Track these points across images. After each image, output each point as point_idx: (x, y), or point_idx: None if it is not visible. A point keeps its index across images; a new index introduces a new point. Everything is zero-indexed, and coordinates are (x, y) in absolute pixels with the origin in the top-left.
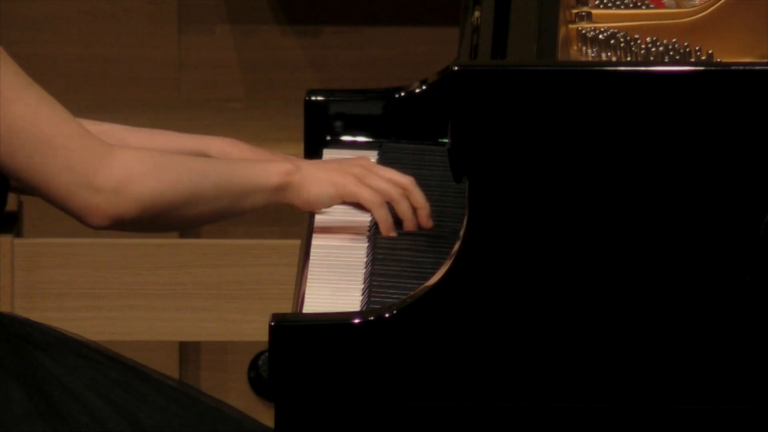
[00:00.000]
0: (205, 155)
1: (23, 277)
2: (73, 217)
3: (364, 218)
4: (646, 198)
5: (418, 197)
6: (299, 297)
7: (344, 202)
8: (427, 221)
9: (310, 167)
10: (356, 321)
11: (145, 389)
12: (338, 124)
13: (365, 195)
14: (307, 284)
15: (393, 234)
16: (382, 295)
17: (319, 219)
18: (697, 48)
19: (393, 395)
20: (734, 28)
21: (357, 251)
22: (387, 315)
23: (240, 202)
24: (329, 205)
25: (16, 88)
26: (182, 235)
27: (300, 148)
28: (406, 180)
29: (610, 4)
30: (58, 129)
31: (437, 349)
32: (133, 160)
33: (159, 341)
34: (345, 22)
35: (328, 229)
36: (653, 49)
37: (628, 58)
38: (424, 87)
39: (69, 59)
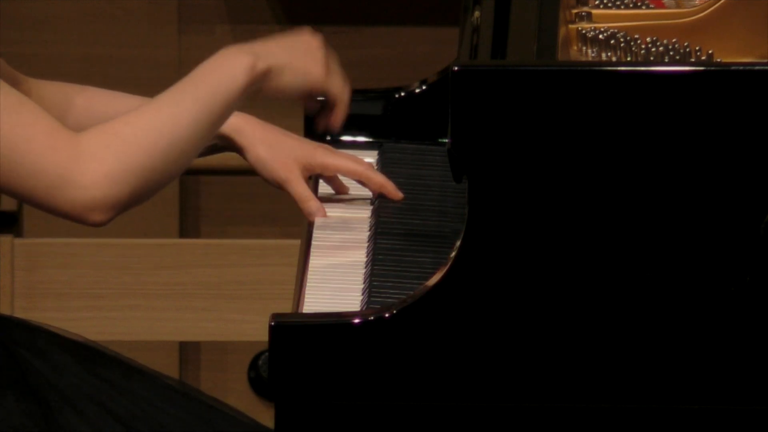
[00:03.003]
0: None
1: (23, 277)
2: (73, 221)
3: (364, 218)
4: (647, 198)
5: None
6: (299, 297)
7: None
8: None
9: (274, 51)
10: (356, 321)
11: (145, 393)
12: None
13: (334, 91)
14: (307, 284)
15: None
16: (382, 295)
17: (320, 219)
18: (697, 48)
19: (393, 395)
20: (734, 28)
21: (357, 251)
22: (387, 315)
23: (220, 118)
24: (297, 95)
25: None
26: (182, 235)
27: None
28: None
29: (610, 4)
30: (22, 133)
31: (437, 349)
32: (100, 146)
33: (159, 341)
34: (345, 22)
35: (328, 230)
36: (653, 49)
37: (628, 58)
38: (424, 87)
39: (69, 59)
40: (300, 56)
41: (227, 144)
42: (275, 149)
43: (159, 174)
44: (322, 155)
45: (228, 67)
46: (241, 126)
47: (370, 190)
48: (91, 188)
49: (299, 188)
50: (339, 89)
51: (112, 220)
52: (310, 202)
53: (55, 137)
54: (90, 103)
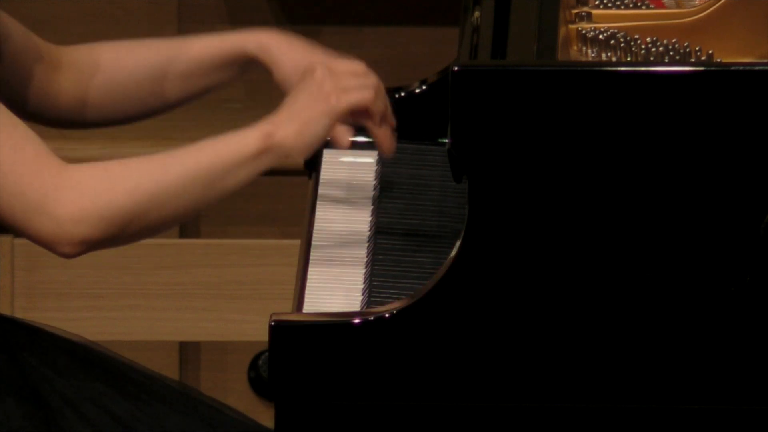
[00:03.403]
0: (242, 52)
1: (23, 277)
2: (43, 247)
3: (364, 218)
4: (646, 198)
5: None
6: (299, 297)
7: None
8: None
9: (288, 116)
10: (356, 321)
11: (146, 396)
12: None
13: (356, 100)
14: (307, 284)
15: (390, 146)
16: (382, 295)
17: (320, 219)
18: (697, 48)
19: (393, 395)
20: (734, 28)
21: (357, 251)
22: (387, 315)
23: (220, 184)
24: (326, 136)
25: None
26: (182, 235)
27: None
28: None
29: (610, 4)
30: (9, 153)
31: (437, 349)
32: (86, 178)
33: (159, 341)
34: (345, 22)
35: (328, 230)
36: (653, 49)
37: (628, 58)
38: (424, 87)
39: None
40: (307, 105)
41: (254, 61)
42: (296, 54)
43: (138, 222)
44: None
45: (241, 135)
46: (266, 43)
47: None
48: (63, 220)
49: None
50: (359, 99)
51: (81, 254)
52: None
53: (41, 163)
54: (118, 56)
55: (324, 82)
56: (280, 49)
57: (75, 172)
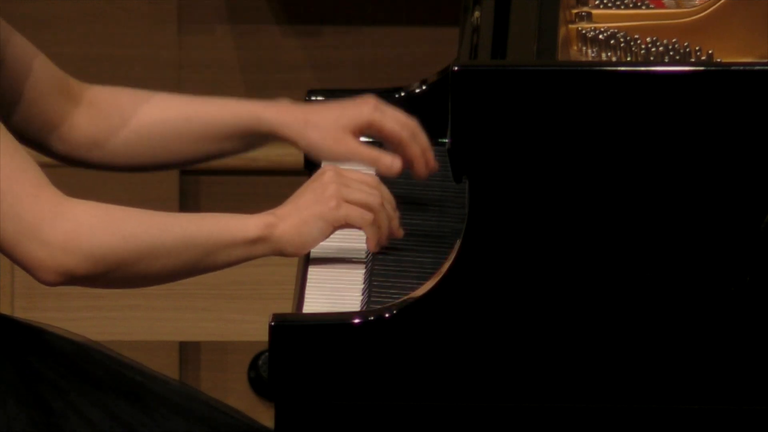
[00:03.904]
0: (255, 129)
1: (23, 277)
2: (24, 270)
3: None
4: (646, 198)
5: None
6: (299, 297)
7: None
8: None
9: (290, 211)
10: (356, 321)
11: (148, 399)
12: None
13: (353, 219)
14: (307, 284)
15: (376, 249)
16: (382, 295)
17: None
18: (697, 48)
19: (393, 395)
20: (734, 28)
21: (357, 251)
22: (387, 315)
23: (212, 257)
24: (323, 240)
25: None
26: None
27: None
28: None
29: (610, 4)
30: (10, 175)
31: (437, 349)
32: (85, 213)
33: (159, 341)
34: (345, 22)
35: None
36: (653, 49)
37: (628, 58)
38: (424, 87)
39: (69, 59)
40: (308, 207)
41: (273, 138)
42: (322, 128)
43: (125, 269)
44: (369, 114)
45: (244, 218)
46: (282, 119)
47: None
48: (53, 247)
49: (364, 154)
50: (357, 219)
51: (60, 285)
52: (383, 159)
53: (41, 189)
54: (138, 106)
55: (328, 186)
56: (297, 120)
57: (74, 205)
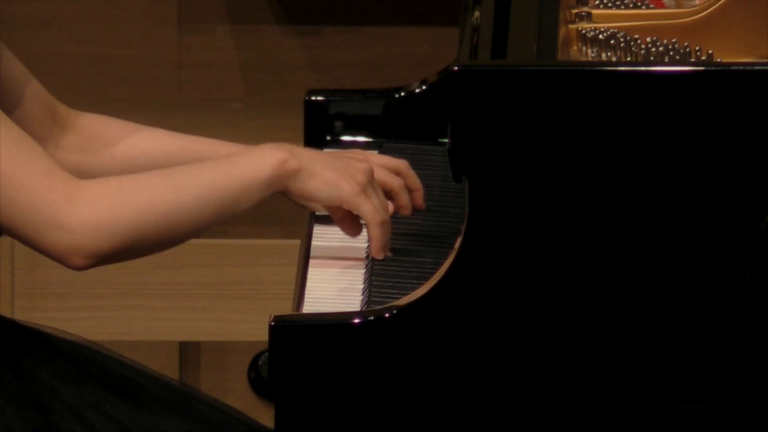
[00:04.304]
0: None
1: (23, 277)
2: (54, 260)
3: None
4: (646, 198)
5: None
6: (299, 297)
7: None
8: (422, 203)
9: (311, 157)
10: (356, 321)
11: (148, 401)
12: (338, 124)
13: (366, 210)
14: (307, 284)
15: (381, 256)
16: (382, 295)
17: (320, 219)
18: (697, 48)
19: (393, 395)
20: (734, 28)
21: (357, 251)
22: (387, 315)
23: (232, 207)
24: (326, 205)
25: None
26: None
27: None
28: (397, 182)
29: (610, 4)
30: (19, 168)
31: (437, 349)
32: (99, 194)
33: (159, 341)
34: (345, 22)
35: (328, 230)
36: (653, 49)
37: (628, 58)
38: (424, 87)
39: (69, 59)
40: (336, 170)
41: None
42: (323, 179)
43: (149, 237)
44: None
45: (259, 157)
46: (281, 173)
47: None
48: (76, 232)
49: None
50: (369, 213)
51: (92, 267)
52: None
53: (52, 177)
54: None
55: (358, 175)
56: (299, 172)
57: (87, 187)
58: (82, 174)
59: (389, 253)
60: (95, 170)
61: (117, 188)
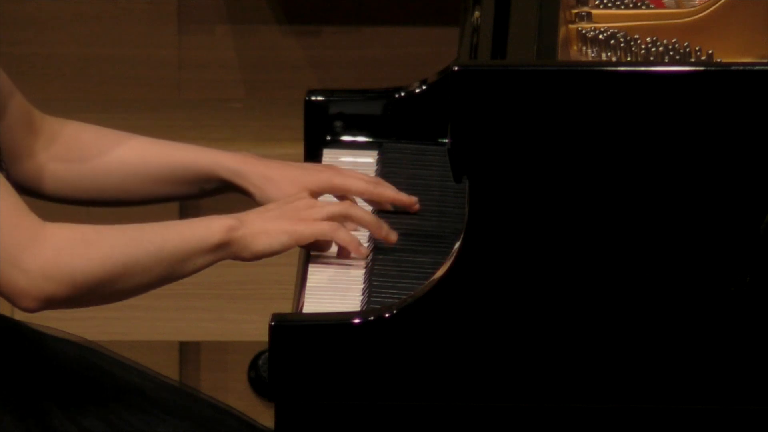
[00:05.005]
0: (214, 174)
1: None
2: (4, 298)
3: None
4: (646, 198)
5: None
6: (299, 297)
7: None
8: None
9: (255, 218)
10: (356, 321)
11: (148, 405)
12: (338, 124)
13: (320, 231)
14: (307, 284)
15: (392, 237)
16: (382, 295)
17: None
18: (697, 48)
19: (393, 395)
20: (734, 28)
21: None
22: (387, 315)
23: (180, 267)
24: (282, 252)
25: None
26: None
27: (300, 148)
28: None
29: (610, 4)
30: None
31: (437, 349)
32: (61, 239)
33: (159, 341)
34: (345, 22)
35: None
36: (653, 49)
37: (628, 58)
38: (424, 87)
39: (69, 59)
40: (278, 218)
41: (232, 187)
42: (281, 184)
43: (102, 290)
44: (328, 178)
45: (208, 222)
46: (242, 169)
47: (384, 207)
48: (35, 274)
49: None
50: (325, 230)
51: (40, 310)
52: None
53: (19, 217)
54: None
55: (301, 208)
56: (257, 173)
57: (52, 232)
58: (63, 182)
59: (393, 237)
60: (75, 179)
61: (81, 235)
